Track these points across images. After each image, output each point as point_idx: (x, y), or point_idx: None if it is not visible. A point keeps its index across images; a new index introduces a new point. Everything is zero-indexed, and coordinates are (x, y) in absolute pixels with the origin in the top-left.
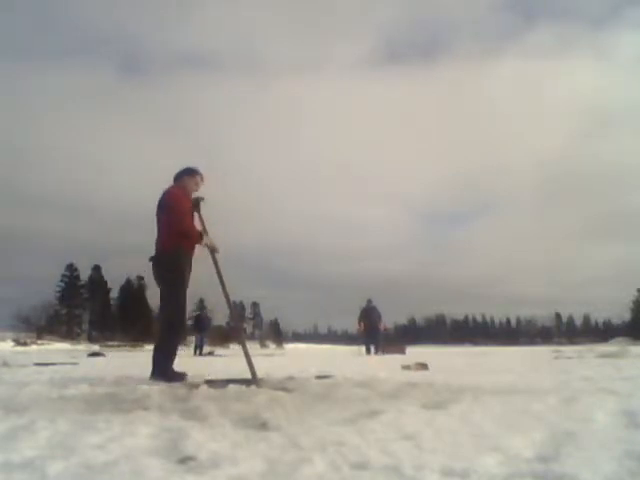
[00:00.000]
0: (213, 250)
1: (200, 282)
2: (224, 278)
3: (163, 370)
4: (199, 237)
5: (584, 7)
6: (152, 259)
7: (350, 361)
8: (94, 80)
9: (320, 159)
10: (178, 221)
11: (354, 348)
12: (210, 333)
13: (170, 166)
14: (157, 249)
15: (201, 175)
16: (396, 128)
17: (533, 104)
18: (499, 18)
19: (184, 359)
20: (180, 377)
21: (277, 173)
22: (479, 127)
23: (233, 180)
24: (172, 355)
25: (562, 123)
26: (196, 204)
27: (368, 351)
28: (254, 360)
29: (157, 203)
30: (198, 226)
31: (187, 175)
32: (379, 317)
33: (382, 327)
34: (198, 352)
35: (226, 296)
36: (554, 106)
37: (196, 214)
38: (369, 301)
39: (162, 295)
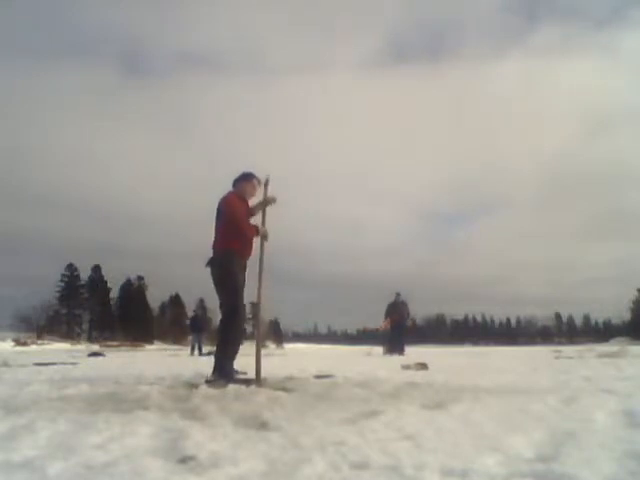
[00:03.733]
0: (264, 238)
1: (200, 282)
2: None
3: (222, 369)
4: (256, 232)
5: (588, 8)
6: (208, 263)
7: (361, 362)
8: (94, 80)
9: (321, 159)
10: (236, 225)
11: (366, 348)
12: (209, 333)
13: (170, 166)
14: (213, 252)
15: (258, 179)
16: (397, 128)
17: (536, 104)
18: (503, 19)
19: (183, 359)
20: (238, 376)
21: (277, 173)
22: (480, 127)
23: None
24: (231, 354)
25: (564, 123)
26: (267, 202)
27: (391, 350)
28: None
29: (216, 209)
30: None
31: (244, 180)
32: (408, 313)
33: (410, 323)
34: (197, 352)
35: (259, 288)
36: (556, 106)
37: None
38: (397, 294)
39: (219, 297)
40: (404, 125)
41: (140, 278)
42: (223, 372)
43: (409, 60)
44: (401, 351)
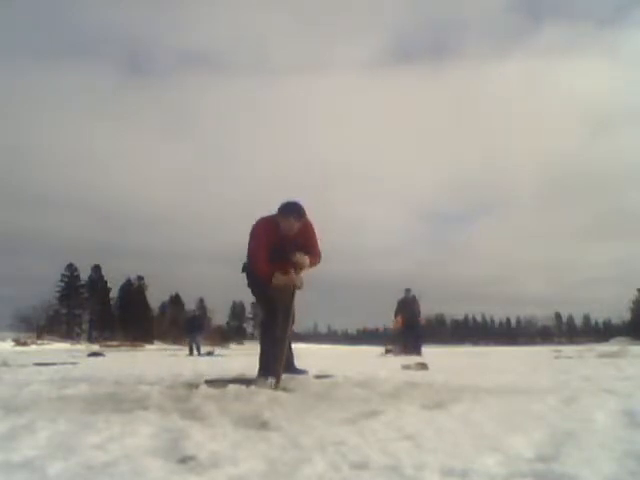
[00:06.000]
0: (297, 287)
1: (200, 282)
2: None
3: (267, 369)
4: (267, 280)
5: (591, 7)
6: (243, 269)
7: (361, 362)
8: (95, 80)
9: (321, 159)
10: (251, 257)
11: (380, 349)
12: (209, 333)
13: (170, 166)
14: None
15: (296, 217)
16: (397, 128)
17: (536, 104)
18: (506, 18)
19: (182, 359)
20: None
21: (278, 173)
22: (481, 127)
23: (234, 180)
24: (278, 355)
25: (564, 123)
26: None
27: (405, 351)
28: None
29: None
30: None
31: (280, 214)
32: (419, 310)
33: (423, 321)
34: (196, 353)
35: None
36: (557, 106)
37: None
38: (407, 290)
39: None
40: (405, 125)
41: (140, 278)
42: (268, 370)
43: (410, 60)
44: (418, 352)
